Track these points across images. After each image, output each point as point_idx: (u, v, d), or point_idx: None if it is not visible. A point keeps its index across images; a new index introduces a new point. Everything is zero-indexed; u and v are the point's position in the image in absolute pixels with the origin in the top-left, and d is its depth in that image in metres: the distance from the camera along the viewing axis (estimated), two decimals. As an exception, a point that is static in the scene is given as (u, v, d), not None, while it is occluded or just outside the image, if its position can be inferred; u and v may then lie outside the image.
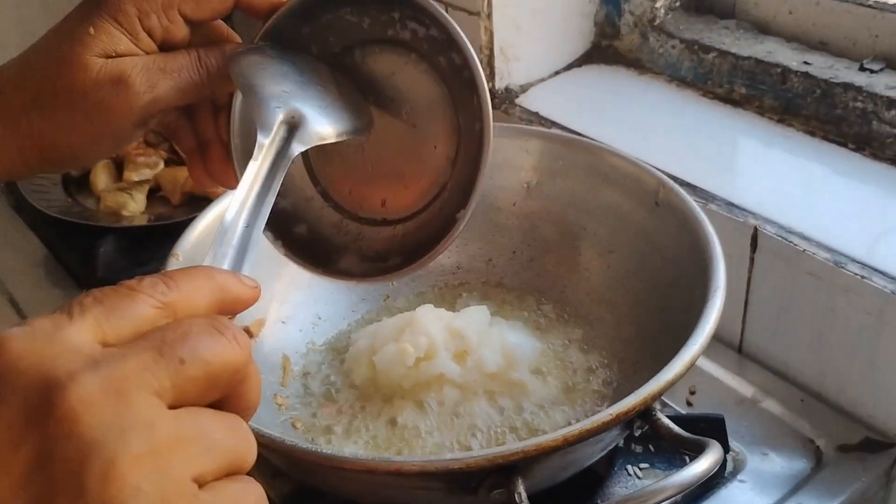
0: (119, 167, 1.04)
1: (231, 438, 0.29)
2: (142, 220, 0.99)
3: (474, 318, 0.69)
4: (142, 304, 0.30)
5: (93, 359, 0.27)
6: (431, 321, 0.66)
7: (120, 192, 0.99)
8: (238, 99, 0.50)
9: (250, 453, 0.30)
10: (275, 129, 0.42)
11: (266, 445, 0.50)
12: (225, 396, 0.31)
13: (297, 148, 0.43)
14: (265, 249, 0.73)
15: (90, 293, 0.29)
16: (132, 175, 1.01)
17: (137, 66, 0.46)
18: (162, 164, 1.03)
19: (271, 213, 0.39)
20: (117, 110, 0.46)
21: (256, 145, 0.41)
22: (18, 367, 0.26)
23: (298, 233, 0.53)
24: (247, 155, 0.42)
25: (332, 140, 0.46)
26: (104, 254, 0.92)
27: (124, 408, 0.26)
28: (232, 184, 0.51)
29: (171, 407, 0.28)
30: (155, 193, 1.03)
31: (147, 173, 1.02)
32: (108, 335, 0.29)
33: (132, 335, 0.29)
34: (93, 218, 0.98)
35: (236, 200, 0.38)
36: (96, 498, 0.25)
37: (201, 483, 0.28)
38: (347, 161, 0.53)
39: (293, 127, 0.43)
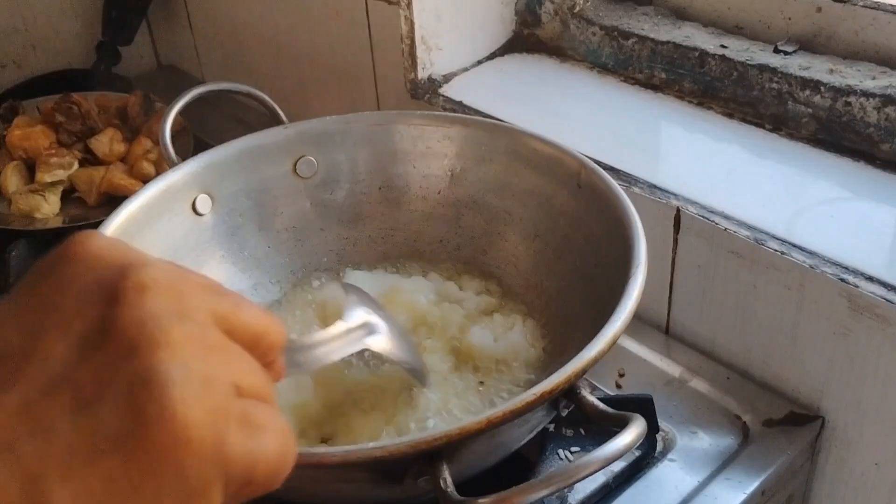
0: (31, 169, 1.00)
1: (267, 381, 0.30)
2: (56, 223, 0.95)
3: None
4: None
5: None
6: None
7: (32, 194, 0.95)
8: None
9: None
10: (359, 323, 0.50)
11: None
12: None
13: (370, 343, 0.51)
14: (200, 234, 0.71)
15: None
16: (44, 176, 0.97)
17: None
18: (76, 165, 0.99)
19: None
20: None
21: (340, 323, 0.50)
22: (102, 254, 0.28)
23: None
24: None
25: (395, 359, 0.55)
26: (16, 258, 0.89)
27: (186, 302, 0.27)
28: None
29: None
30: (70, 195, 0.99)
31: (60, 174, 0.98)
32: None
33: None
34: (4, 221, 0.94)
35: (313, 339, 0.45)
36: (145, 360, 0.25)
37: (239, 394, 0.28)
38: None
39: (370, 331, 0.52)
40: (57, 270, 0.28)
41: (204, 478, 0.26)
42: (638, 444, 0.46)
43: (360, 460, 0.45)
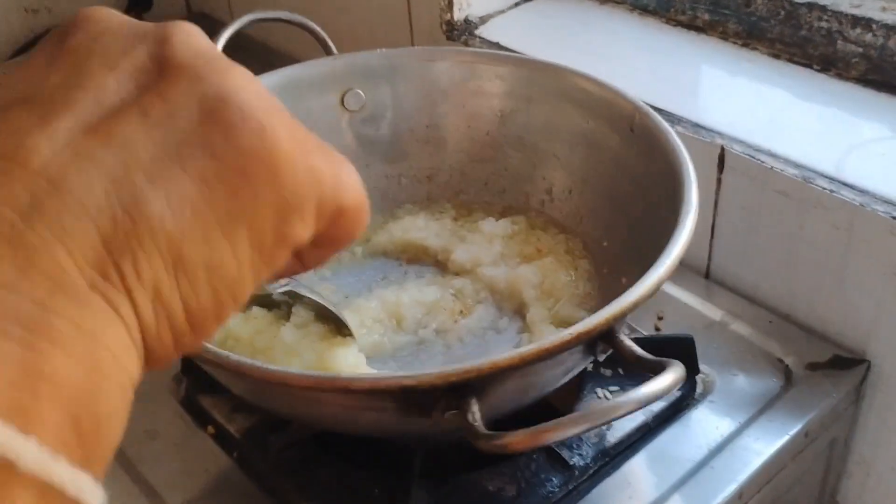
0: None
1: None
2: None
3: None
4: None
5: None
6: None
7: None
8: None
9: None
10: None
11: (213, 363, 0.47)
12: None
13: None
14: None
15: None
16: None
17: None
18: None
19: None
20: None
21: None
22: (123, 17, 0.25)
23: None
24: None
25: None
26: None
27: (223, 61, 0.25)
28: None
29: None
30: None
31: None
32: None
33: None
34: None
35: None
36: (215, 82, 0.23)
37: None
38: None
39: None
40: (80, 26, 0.24)
41: (299, 189, 0.24)
42: (675, 389, 0.44)
43: (389, 388, 0.45)
